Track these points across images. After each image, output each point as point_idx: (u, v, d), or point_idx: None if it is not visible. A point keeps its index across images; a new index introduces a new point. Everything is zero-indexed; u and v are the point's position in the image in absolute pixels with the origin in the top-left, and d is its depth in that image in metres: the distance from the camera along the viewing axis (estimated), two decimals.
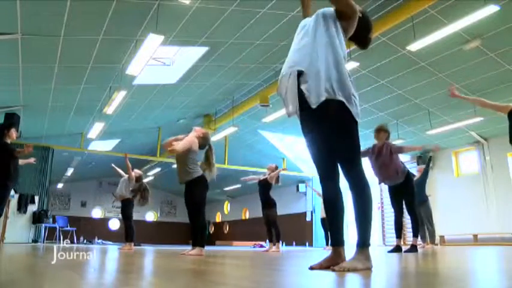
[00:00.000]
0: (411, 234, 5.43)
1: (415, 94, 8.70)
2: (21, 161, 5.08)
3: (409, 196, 5.25)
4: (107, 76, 7.64)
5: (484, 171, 10.43)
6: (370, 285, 1.46)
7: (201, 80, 8.49)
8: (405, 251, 4.99)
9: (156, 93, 8.95)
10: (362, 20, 2.05)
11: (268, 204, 6.99)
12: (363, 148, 4.16)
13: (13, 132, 5.00)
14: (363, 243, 1.89)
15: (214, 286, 1.30)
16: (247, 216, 19.68)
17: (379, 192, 12.11)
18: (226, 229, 21.20)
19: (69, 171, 15.84)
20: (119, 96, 7.72)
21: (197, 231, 4.21)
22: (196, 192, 4.27)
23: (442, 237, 10.65)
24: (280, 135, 12.16)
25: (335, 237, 2.01)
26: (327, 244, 9.42)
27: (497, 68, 7.32)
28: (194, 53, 7.39)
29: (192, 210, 4.27)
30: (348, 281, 1.52)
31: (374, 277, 1.67)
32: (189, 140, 4.27)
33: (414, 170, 11.99)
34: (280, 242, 7.20)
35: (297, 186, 16.09)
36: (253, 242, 14.43)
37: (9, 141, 4.99)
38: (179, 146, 4.13)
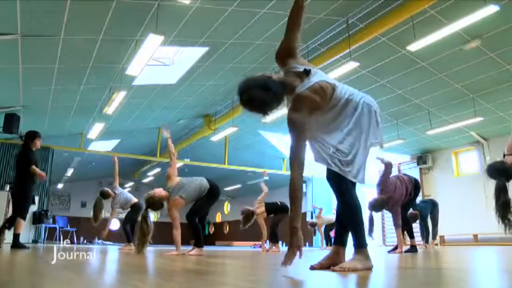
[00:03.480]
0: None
1: (415, 94, 8.69)
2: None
3: (410, 201, 5.31)
4: (107, 76, 7.63)
5: (484, 171, 10.41)
6: (370, 285, 1.46)
7: (201, 80, 8.48)
8: (405, 251, 5.00)
9: (156, 93, 8.95)
10: None
11: (286, 209, 7.02)
12: None
13: (37, 142, 5.25)
14: (359, 244, 1.92)
15: (214, 286, 1.30)
16: None
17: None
18: (227, 229, 21.20)
19: (69, 172, 15.84)
20: (119, 97, 7.71)
21: (193, 232, 4.24)
22: (203, 198, 4.31)
23: (442, 237, 10.65)
24: (280, 135, 12.16)
25: (340, 237, 2.09)
26: (327, 244, 9.44)
27: (497, 68, 7.31)
28: (194, 53, 7.39)
29: (189, 211, 4.30)
30: (348, 281, 1.52)
31: (374, 277, 1.67)
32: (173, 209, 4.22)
33: (414, 170, 12.05)
34: (280, 242, 7.27)
35: None
36: (254, 242, 14.43)
37: (34, 149, 5.24)
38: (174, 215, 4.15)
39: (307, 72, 1.94)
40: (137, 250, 3.86)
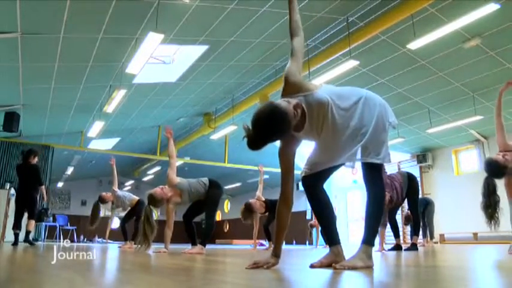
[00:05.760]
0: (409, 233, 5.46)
1: (415, 93, 8.69)
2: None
3: (412, 195, 5.28)
4: (107, 75, 7.63)
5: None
6: (370, 283, 1.47)
7: (200, 78, 8.48)
8: (405, 250, 5.00)
9: (156, 91, 8.94)
10: None
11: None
12: None
13: (36, 159, 6.22)
14: (367, 241, 1.92)
15: (214, 284, 1.30)
16: None
17: None
18: (227, 228, 21.23)
19: (69, 170, 15.84)
20: (119, 95, 7.71)
21: (206, 229, 4.25)
22: (210, 193, 4.34)
23: (442, 235, 10.66)
24: None
25: (330, 236, 2.10)
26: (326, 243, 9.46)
27: (497, 67, 7.31)
28: (194, 52, 7.38)
29: (206, 210, 4.31)
30: (348, 280, 1.52)
31: (374, 275, 1.67)
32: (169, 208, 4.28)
33: (414, 168, 12.06)
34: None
35: (297, 185, 16.09)
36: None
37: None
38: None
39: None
40: (141, 249, 3.92)
